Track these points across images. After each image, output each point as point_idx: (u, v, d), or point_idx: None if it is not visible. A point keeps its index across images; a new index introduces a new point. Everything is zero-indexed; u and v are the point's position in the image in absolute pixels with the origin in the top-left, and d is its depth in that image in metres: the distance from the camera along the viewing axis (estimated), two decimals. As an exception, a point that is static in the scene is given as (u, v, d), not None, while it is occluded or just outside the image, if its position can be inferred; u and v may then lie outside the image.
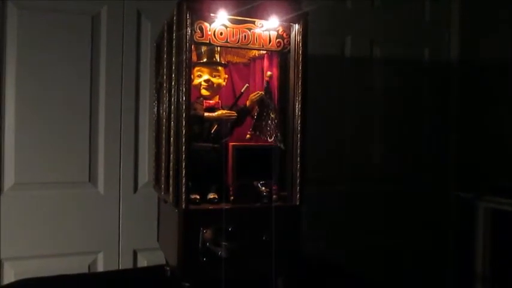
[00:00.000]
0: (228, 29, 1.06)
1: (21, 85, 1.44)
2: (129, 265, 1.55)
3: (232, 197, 1.08)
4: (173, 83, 1.02)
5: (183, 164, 0.99)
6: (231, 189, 1.09)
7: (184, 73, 0.99)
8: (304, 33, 1.08)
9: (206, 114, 1.11)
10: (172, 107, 1.02)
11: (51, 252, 1.47)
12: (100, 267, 1.53)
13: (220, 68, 1.16)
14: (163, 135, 1.13)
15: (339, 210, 1.79)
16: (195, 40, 1.04)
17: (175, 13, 1.02)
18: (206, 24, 1.04)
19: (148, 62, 1.56)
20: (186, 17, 0.99)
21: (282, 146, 1.12)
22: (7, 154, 1.43)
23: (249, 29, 1.08)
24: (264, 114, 1.15)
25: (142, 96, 1.57)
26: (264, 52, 1.15)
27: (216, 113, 1.12)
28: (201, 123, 1.11)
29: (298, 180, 1.07)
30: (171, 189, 1.02)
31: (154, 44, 1.37)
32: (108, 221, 1.53)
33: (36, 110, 1.45)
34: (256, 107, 1.15)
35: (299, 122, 1.07)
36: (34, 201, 1.45)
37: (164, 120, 1.12)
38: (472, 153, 1.96)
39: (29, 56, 1.44)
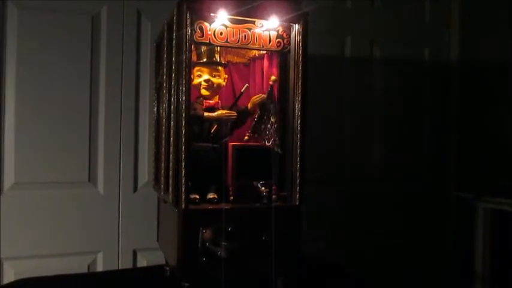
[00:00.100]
0: (228, 28, 1.06)
1: (21, 85, 1.44)
2: (128, 265, 1.55)
3: (232, 197, 1.08)
4: (173, 83, 1.02)
5: (183, 163, 0.99)
6: (230, 189, 1.08)
7: (184, 73, 0.99)
8: (304, 33, 1.07)
9: (206, 114, 1.11)
10: (172, 106, 1.02)
11: (51, 252, 1.47)
12: (100, 267, 1.53)
13: (220, 68, 1.15)
14: (163, 135, 1.13)
15: (339, 210, 1.79)
16: (195, 40, 1.04)
17: (175, 13, 1.02)
18: (206, 24, 1.04)
19: (148, 62, 1.56)
20: (186, 17, 0.99)
21: (279, 150, 1.12)
22: (7, 154, 1.43)
23: (249, 29, 1.08)
24: (265, 117, 1.15)
25: (142, 96, 1.57)
26: (264, 52, 1.15)
27: (215, 113, 1.12)
28: (200, 123, 1.11)
29: (298, 180, 1.07)
30: (170, 189, 1.02)
31: (154, 44, 1.37)
32: (108, 220, 1.53)
33: (36, 110, 1.45)
34: (258, 109, 1.15)
35: (299, 122, 1.07)
36: (34, 201, 1.45)
37: (164, 120, 1.12)
38: (472, 153, 1.96)
39: (29, 56, 1.44)
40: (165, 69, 1.12)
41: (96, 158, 1.52)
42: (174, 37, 1.03)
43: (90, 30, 1.51)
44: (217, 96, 1.16)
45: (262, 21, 1.07)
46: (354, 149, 1.85)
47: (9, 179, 1.43)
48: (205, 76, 1.14)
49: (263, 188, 1.08)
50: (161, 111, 1.19)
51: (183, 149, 0.99)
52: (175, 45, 1.03)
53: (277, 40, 1.10)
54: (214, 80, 1.14)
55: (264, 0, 1.04)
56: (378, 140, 1.90)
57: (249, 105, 1.15)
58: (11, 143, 1.43)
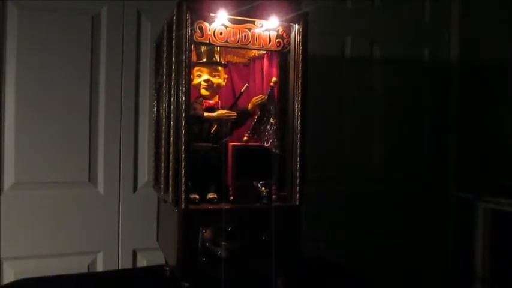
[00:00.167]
0: (227, 29, 1.06)
1: (21, 85, 1.44)
2: (128, 265, 1.55)
3: (231, 197, 1.08)
4: (173, 83, 1.02)
5: (183, 163, 0.99)
6: (230, 189, 1.09)
7: (184, 73, 0.99)
8: (304, 33, 1.07)
9: (206, 114, 1.11)
10: (172, 106, 1.02)
11: (51, 252, 1.47)
12: (99, 267, 1.53)
13: (220, 68, 1.15)
14: (163, 135, 1.13)
15: (339, 210, 1.79)
16: (195, 40, 1.04)
17: (175, 13, 1.02)
18: (206, 24, 1.04)
19: (148, 62, 1.56)
20: (186, 16, 0.99)
21: (277, 151, 1.12)
22: (7, 154, 1.43)
23: (249, 29, 1.08)
24: (265, 118, 1.14)
25: (142, 96, 1.57)
26: (264, 52, 1.15)
27: (215, 113, 1.12)
28: (200, 123, 1.11)
29: (297, 180, 1.07)
30: (170, 189, 1.02)
31: (154, 44, 1.37)
32: (108, 220, 1.53)
33: (36, 110, 1.45)
34: (258, 110, 1.15)
35: (299, 122, 1.07)
36: (34, 201, 1.45)
37: (164, 120, 1.12)
38: (472, 153, 1.96)
39: (29, 56, 1.44)
40: (165, 69, 1.12)
41: (96, 158, 1.52)
42: (174, 37, 1.03)
43: (90, 30, 1.51)
44: (217, 96, 1.16)
45: (262, 21, 1.07)
46: (354, 149, 1.85)
47: (9, 179, 1.43)
48: (205, 76, 1.14)
49: (263, 188, 1.08)
50: (161, 111, 1.19)
51: (183, 149, 0.99)
52: (175, 45, 1.03)
53: (277, 40, 1.10)
54: (214, 80, 1.14)
55: (264, 0, 1.04)
56: (378, 140, 1.90)
57: (249, 106, 1.15)
58: (11, 143, 1.43)
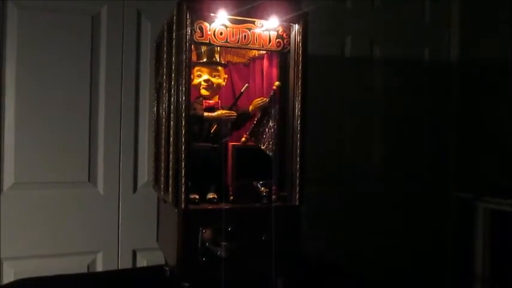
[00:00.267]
0: (228, 29, 1.06)
1: (21, 85, 1.44)
2: (128, 265, 1.55)
3: (231, 197, 1.08)
4: (173, 83, 1.02)
5: (183, 163, 0.99)
6: (230, 189, 1.09)
7: (184, 73, 0.99)
8: (304, 33, 1.07)
9: (206, 114, 1.11)
10: (172, 106, 1.02)
11: (51, 252, 1.47)
12: (99, 267, 1.53)
13: (220, 68, 1.15)
14: (163, 135, 1.13)
15: (339, 210, 1.79)
16: (195, 40, 1.03)
17: (175, 13, 1.02)
18: (206, 24, 1.04)
19: (148, 62, 1.56)
20: (186, 16, 0.99)
21: (272, 154, 1.11)
22: (7, 154, 1.43)
23: (249, 29, 1.08)
24: (264, 121, 1.14)
25: (142, 96, 1.57)
26: (264, 52, 1.15)
27: (215, 113, 1.12)
28: (200, 123, 1.11)
29: (297, 181, 1.07)
30: (170, 189, 1.02)
31: (154, 44, 1.37)
32: (108, 220, 1.53)
33: (36, 110, 1.45)
34: (258, 113, 1.15)
35: (299, 122, 1.07)
36: (34, 201, 1.45)
37: (164, 120, 1.12)
38: (472, 153, 1.96)
39: (29, 56, 1.44)
40: (165, 69, 1.12)
41: (96, 158, 1.52)
42: (174, 37, 1.03)
43: (90, 30, 1.51)
44: (217, 96, 1.16)
45: (262, 21, 1.07)
46: (354, 149, 1.85)
47: (9, 179, 1.43)
48: (205, 76, 1.14)
49: (263, 188, 1.08)
50: (161, 111, 1.19)
51: (183, 149, 0.99)
52: (175, 45, 1.03)
53: (277, 40, 1.10)
54: (214, 80, 1.14)
55: (264, 0, 1.03)
56: (378, 140, 1.90)
57: (251, 108, 1.15)
58: (11, 143, 1.43)
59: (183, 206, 0.99)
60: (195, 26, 1.03)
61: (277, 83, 1.13)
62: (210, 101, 1.14)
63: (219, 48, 1.15)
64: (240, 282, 0.98)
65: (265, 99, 1.14)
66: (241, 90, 1.15)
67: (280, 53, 1.12)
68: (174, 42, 1.03)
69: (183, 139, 0.99)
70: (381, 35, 1.89)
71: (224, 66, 1.17)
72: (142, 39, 1.57)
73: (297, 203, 1.07)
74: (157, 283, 1.24)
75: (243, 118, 1.15)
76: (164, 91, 1.12)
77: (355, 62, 1.86)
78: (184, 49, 0.99)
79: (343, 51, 1.85)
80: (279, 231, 1.04)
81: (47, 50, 1.46)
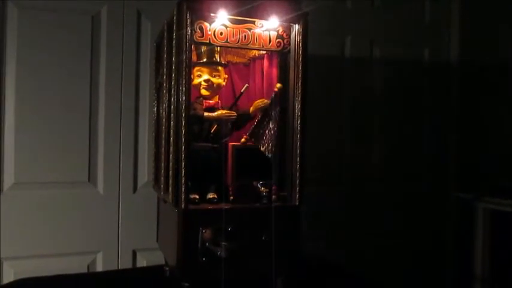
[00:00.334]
0: (228, 29, 1.06)
1: (21, 85, 1.44)
2: (128, 265, 1.55)
3: (231, 197, 1.07)
4: (173, 83, 1.02)
5: (183, 163, 0.98)
6: (230, 189, 1.08)
7: (184, 73, 0.99)
8: (304, 33, 1.07)
9: (206, 114, 1.11)
10: (172, 106, 1.02)
11: (51, 252, 1.47)
12: (99, 267, 1.53)
13: (220, 68, 1.15)
14: (163, 135, 1.13)
15: (339, 210, 1.79)
16: (195, 40, 1.03)
17: (175, 13, 1.02)
18: (206, 24, 1.04)
19: (148, 62, 1.56)
20: (186, 17, 0.99)
21: (270, 155, 1.11)
22: (7, 154, 1.43)
23: (249, 29, 1.08)
24: (265, 123, 1.14)
25: (142, 96, 1.57)
26: (264, 52, 1.15)
27: (215, 113, 1.12)
28: (200, 123, 1.11)
29: (297, 181, 1.07)
30: (170, 189, 1.02)
31: (154, 44, 1.37)
32: (108, 220, 1.53)
33: (36, 110, 1.45)
34: (259, 114, 1.15)
35: (299, 122, 1.07)
36: (34, 201, 1.45)
37: (164, 120, 1.12)
38: (472, 153, 1.96)
39: (29, 56, 1.44)
40: (165, 69, 1.12)
41: (96, 158, 1.52)
42: (174, 37, 1.03)
43: (90, 30, 1.51)
44: (217, 96, 1.16)
45: (262, 21, 1.07)
46: (354, 149, 1.85)
47: (9, 179, 1.43)
48: (205, 76, 1.14)
49: (263, 188, 1.08)
50: (161, 111, 1.19)
51: (183, 149, 0.99)
52: (175, 45, 1.03)
53: (277, 40, 1.10)
54: (214, 80, 1.14)
55: (264, 0, 1.03)
56: (378, 140, 1.90)
57: (251, 109, 1.14)
58: (11, 143, 1.43)
59: (183, 206, 0.99)
60: (195, 26, 1.03)
61: (278, 85, 1.12)
62: (210, 101, 1.14)
63: (219, 48, 1.15)
64: (240, 282, 0.98)
65: (266, 100, 1.13)
66: (241, 90, 1.15)
67: (280, 53, 1.12)
68: (174, 42, 1.03)
69: (183, 139, 0.99)
70: (381, 35, 1.89)
71: (224, 66, 1.17)
72: (142, 39, 1.57)
73: (297, 203, 1.07)
74: (157, 283, 1.24)
75: (243, 119, 1.15)
76: (164, 91, 1.12)
77: (355, 62, 1.86)
78: (184, 49, 0.99)
79: (343, 51, 1.85)
80: (279, 231, 1.04)
81: (47, 50, 1.46)
